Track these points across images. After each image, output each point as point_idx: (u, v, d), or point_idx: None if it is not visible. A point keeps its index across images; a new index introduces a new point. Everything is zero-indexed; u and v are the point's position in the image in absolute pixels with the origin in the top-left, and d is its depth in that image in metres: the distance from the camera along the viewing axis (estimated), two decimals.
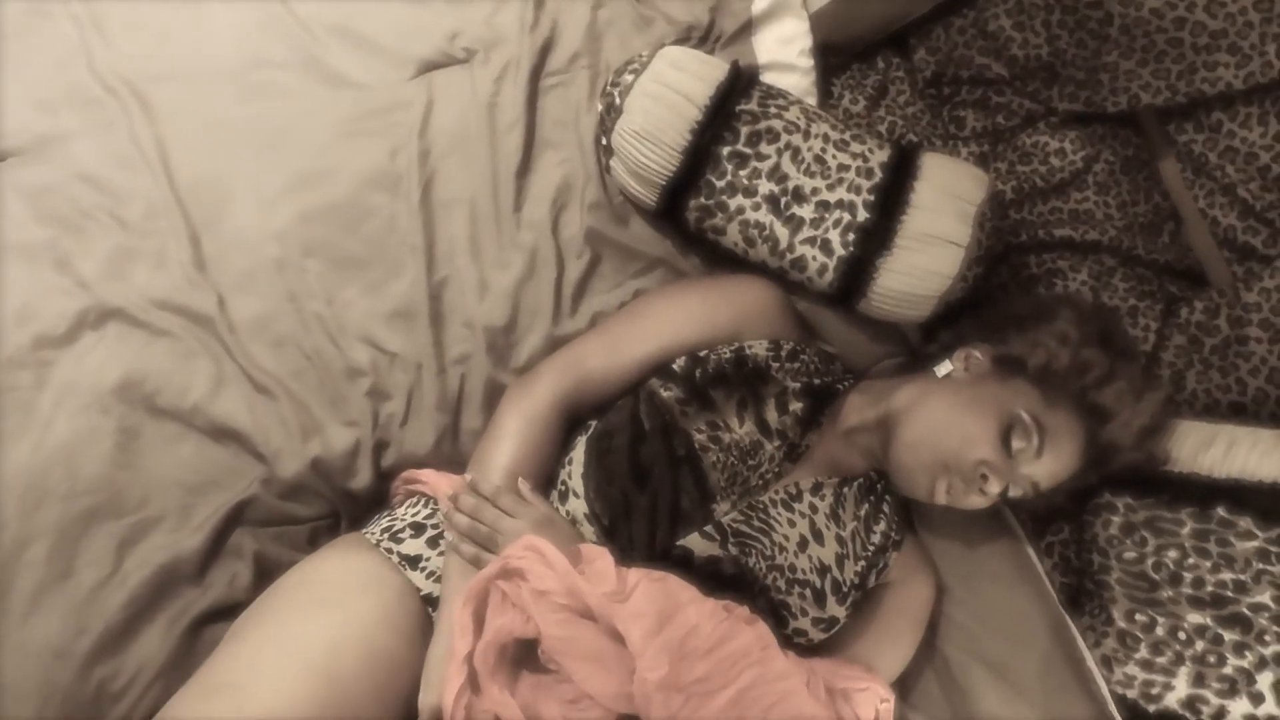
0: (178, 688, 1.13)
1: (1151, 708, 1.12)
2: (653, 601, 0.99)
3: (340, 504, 1.26)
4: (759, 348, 1.22)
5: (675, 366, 1.20)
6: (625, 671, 0.98)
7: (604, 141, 1.34)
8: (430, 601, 1.12)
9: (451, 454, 1.28)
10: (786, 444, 1.19)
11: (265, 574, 1.20)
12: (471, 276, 1.34)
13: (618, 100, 1.30)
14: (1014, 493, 1.15)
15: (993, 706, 1.20)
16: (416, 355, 1.31)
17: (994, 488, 1.12)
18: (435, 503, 1.21)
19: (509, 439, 1.16)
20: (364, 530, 1.20)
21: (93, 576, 1.17)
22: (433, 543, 1.16)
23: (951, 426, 1.14)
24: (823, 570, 1.13)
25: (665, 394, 1.17)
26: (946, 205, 1.26)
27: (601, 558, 1.02)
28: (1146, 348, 1.39)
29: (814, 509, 1.16)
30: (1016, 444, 1.12)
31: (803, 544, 1.14)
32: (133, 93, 1.41)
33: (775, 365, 1.22)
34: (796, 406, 1.20)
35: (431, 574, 1.14)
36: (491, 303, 1.32)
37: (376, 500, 1.28)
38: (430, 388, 1.30)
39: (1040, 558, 1.28)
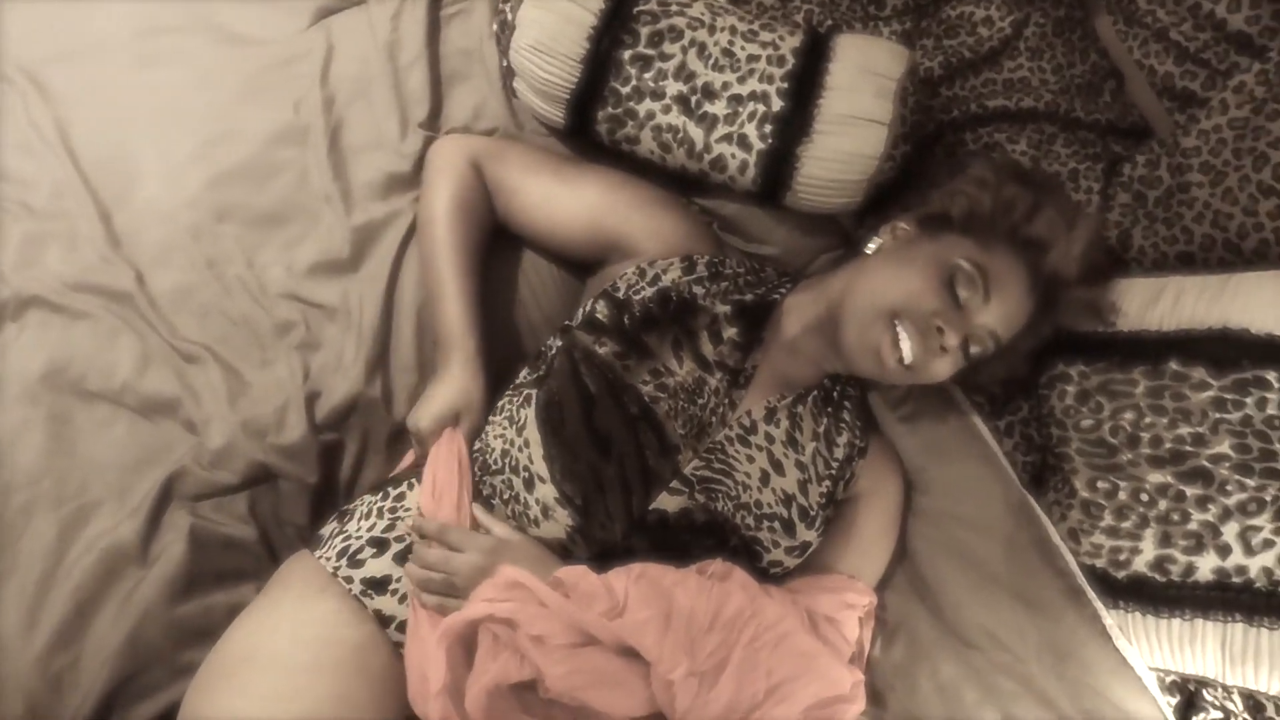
0: (127, 671, 1.12)
1: (1120, 574, 1.09)
2: (647, 603, 0.97)
3: (277, 466, 1.22)
4: (674, 272, 1.17)
5: (600, 316, 1.14)
6: (640, 681, 0.97)
7: (504, 63, 1.29)
8: (404, 629, 1.07)
9: (385, 391, 1.26)
10: (729, 372, 1.13)
11: (201, 546, 1.17)
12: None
13: (510, 16, 1.24)
14: (975, 348, 1.09)
15: (960, 594, 1.16)
16: (343, 303, 1.28)
17: (952, 339, 1.06)
18: (394, 512, 1.14)
19: (441, 182, 1.24)
20: (318, 553, 1.12)
21: (39, 569, 1.15)
22: (400, 558, 1.10)
23: (892, 287, 1.08)
24: (788, 500, 1.10)
25: (602, 350, 1.11)
26: (864, 83, 1.20)
27: (584, 578, 0.99)
28: (1090, 211, 1.34)
29: (770, 439, 1.12)
30: (963, 293, 1.07)
31: (764, 478, 1.10)
32: (27, 77, 1.39)
33: (700, 291, 1.16)
34: (730, 332, 1.14)
35: (404, 597, 1.08)
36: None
37: (324, 456, 1.24)
38: (359, 333, 1.26)
39: (999, 439, 1.24)
